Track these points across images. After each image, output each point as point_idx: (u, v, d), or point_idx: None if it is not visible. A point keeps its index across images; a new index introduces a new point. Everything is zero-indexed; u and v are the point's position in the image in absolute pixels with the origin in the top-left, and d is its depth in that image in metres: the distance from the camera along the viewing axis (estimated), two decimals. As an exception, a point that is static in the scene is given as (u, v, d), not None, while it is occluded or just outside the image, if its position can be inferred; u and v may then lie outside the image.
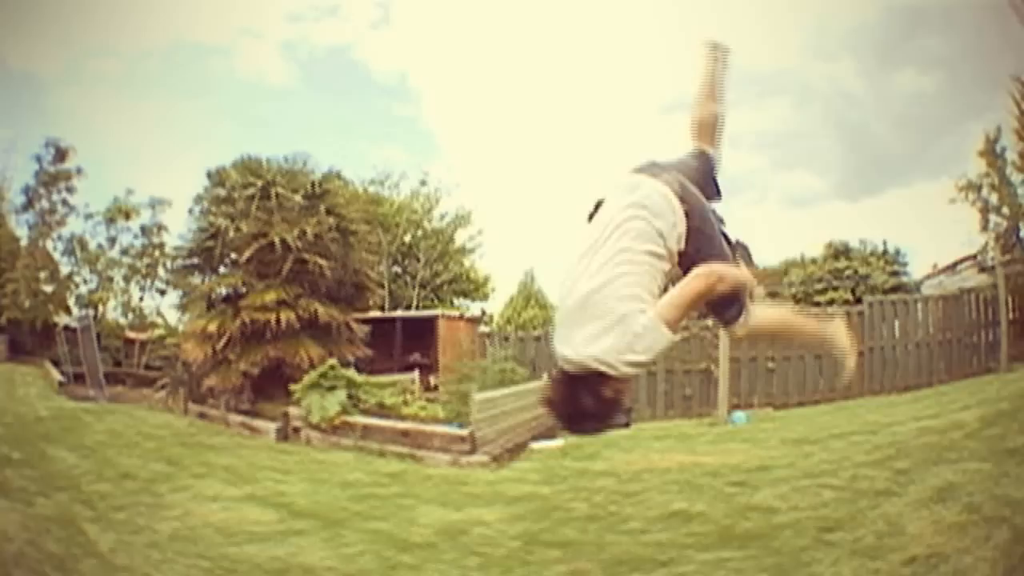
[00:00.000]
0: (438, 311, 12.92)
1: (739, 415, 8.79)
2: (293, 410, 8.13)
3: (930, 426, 5.56)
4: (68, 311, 14.98)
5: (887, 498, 3.74)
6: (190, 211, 10.85)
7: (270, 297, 9.08)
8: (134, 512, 4.55)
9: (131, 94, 25.40)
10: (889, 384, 9.76)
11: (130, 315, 14.91)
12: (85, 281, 15.25)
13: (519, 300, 16.09)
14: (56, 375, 12.09)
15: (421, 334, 11.22)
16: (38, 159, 15.66)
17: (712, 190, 2.41)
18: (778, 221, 29.08)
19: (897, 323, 10.33)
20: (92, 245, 15.34)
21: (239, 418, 8.86)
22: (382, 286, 13.47)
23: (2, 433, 7.22)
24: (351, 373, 8.24)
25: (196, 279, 10.58)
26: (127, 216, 15.13)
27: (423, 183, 17.18)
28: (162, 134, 24.16)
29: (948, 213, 13.77)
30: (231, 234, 9.58)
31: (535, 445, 6.93)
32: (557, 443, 6.97)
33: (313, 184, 10.11)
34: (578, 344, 1.86)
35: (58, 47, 24.88)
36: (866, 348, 9.53)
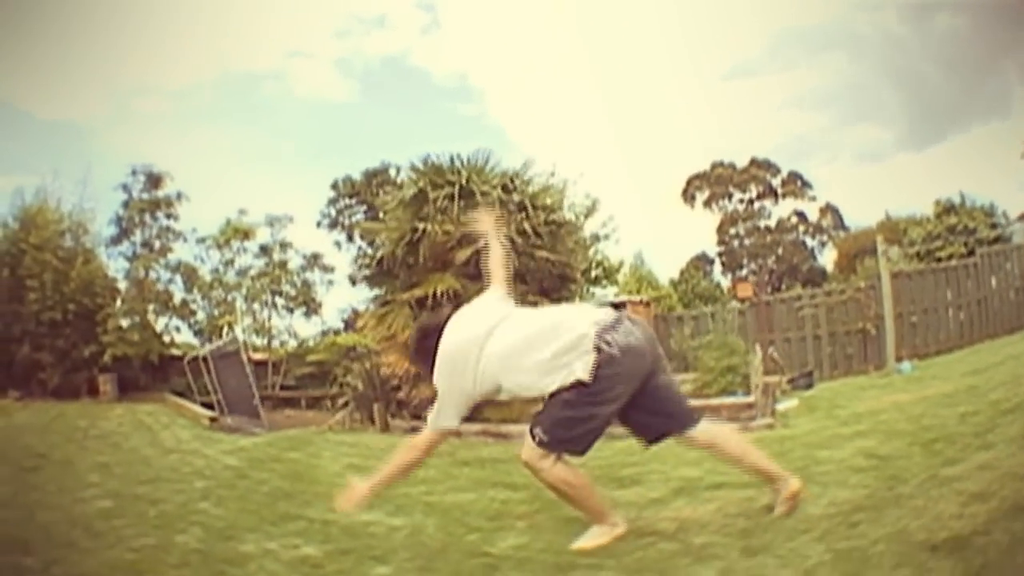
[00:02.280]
0: (624, 296, 12.25)
1: (905, 364, 9.03)
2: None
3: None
4: (164, 343, 13.44)
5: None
6: (319, 224, 9.62)
7: None
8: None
9: (183, 128, 24.26)
10: (1001, 328, 10.21)
11: (255, 336, 13.36)
12: (200, 308, 13.71)
13: (632, 282, 15.48)
14: (199, 409, 10.28)
15: None
16: (125, 188, 14.33)
17: None
18: (854, 178, 29.08)
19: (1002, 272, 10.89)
20: (204, 270, 13.91)
21: (476, 426, 7.61)
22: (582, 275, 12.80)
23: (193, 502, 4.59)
24: None
25: (380, 289, 9.33)
26: (246, 236, 13.81)
27: (552, 174, 16.18)
28: (220, 162, 22.95)
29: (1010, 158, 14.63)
30: (439, 237, 8.59)
31: (779, 407, 6.88)
32: (793, 403, 7.10)
33: (512, 179, 9.08)
34: None
35: (100, 93, 23.71)
36: (980, 297, 10.42)
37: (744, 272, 28.16)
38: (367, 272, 9.84)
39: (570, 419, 2.42)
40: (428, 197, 8.80)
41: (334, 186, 24.15)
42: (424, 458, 2.97)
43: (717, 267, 28.48)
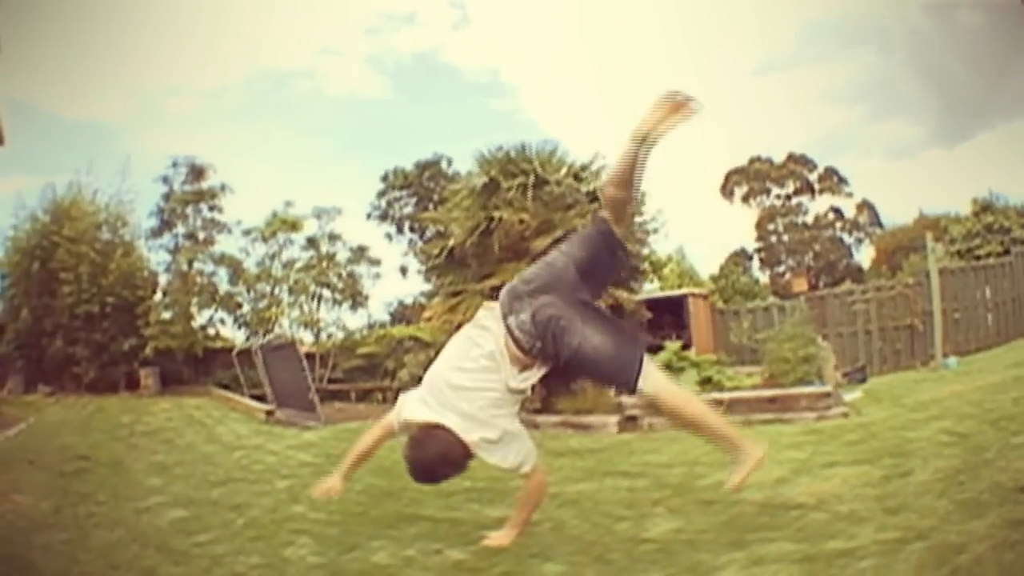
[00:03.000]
0: (685, 290, 11.89)
1: (951, 360, 9.12)
2: (628, 399, 6.93)
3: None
4: (209, 336, 12.61)
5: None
6: (369, 216, 8.84)
7: None
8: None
9: (216, 127, 23.71)
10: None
11: (302, 329, 12.47)
12: (246, 301, 12.83)
13: (673, 277, 14.91)
14: (252, 402, 9.36)
15: (672, 313, 10.63)
16: (165, 180, 13.53)
17: (616, 261, 2.68)
18: (887, 174, 28.16)
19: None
20: (249, 263, 13.04)
21: (555, 418, 6.97)
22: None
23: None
24: (691, 354, 7.86)
25: (448, 279, 8.95)
26: (294, 228, 12.95)
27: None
28: (253, 160, 22.45)
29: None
30: (515, 226, 8.28)
31: (847, 397, 6.89)
32: (858, 394, 7.16)
33: (583, 168, 8.82)
34: None
35: (130, 93, 23.33)
36: (1015, 295, 10.38)
37: (782, 268, 27.12)
38: (435, 262, 9.38)
39: None
40: (500, 186, 8.52)
41: (384, 178, 23.66)
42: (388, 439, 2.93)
43: (755, 263, 27.39)
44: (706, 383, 7.20)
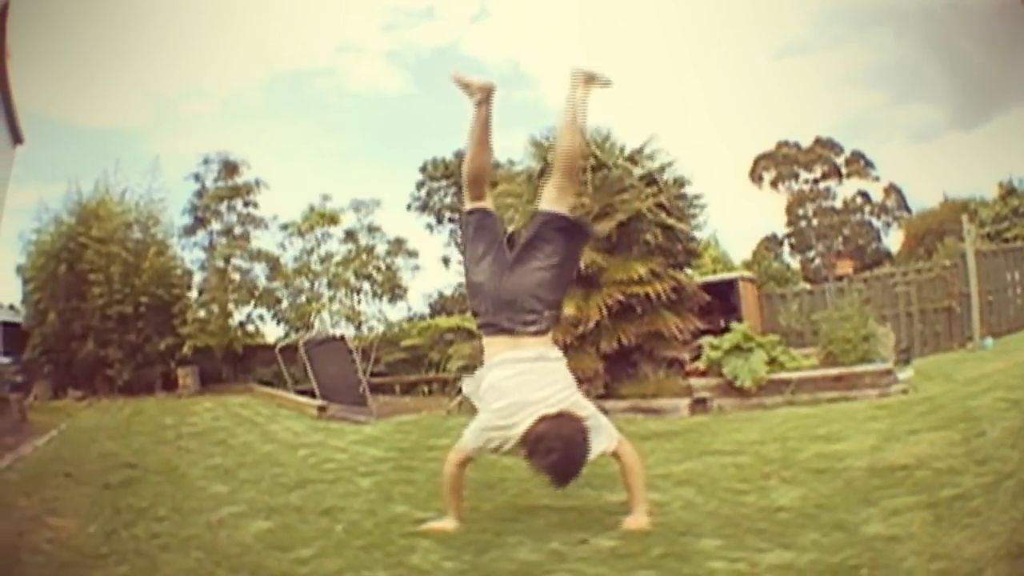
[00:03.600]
0: (736, 274, 11.24)
1: (988, 340, 9.17)
2: (697, 382, 7.23)
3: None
4: (248, 333, 12.04)
5: None
6: (409, 207, 8.31)
7: (642, 270, 7.71)
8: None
9: (236, 129, 23.22)
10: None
11: (344, 322, 11.82)
12: (284, 296, 12.21)
13: (709, 263, 13.99)
14: (300, 398, 8.72)
15: (719, 297, 10.06)
16: (196, 177, 12.92)
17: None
18: (910, 157, 27.47)
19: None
20: (286, 258, 12.43)
21: (624, 403, 6.96)
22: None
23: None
24: (757, 336, 7.53)
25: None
26: (333, 221, 12.34)
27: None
28: (276, 159, 21.94)
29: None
30: (577, 211, 7.72)
31: (900, 376, 6.85)
32: (910, 372, 7.21)
33: (638, 151, 8.65)
34: None
35: (146, 99, 22.90)
36: None
37: (812, 254, 26.32)
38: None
39: None
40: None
41: (423, 169, 23.09)
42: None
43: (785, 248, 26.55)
44: (771, 363, 7.15)
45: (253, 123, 24.13)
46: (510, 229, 8.52)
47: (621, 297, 7.56)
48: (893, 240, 27.23)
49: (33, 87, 14.26)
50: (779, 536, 2.51)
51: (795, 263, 24.96)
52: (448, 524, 2.86)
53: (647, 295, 7.52)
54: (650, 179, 8.80)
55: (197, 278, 12.56)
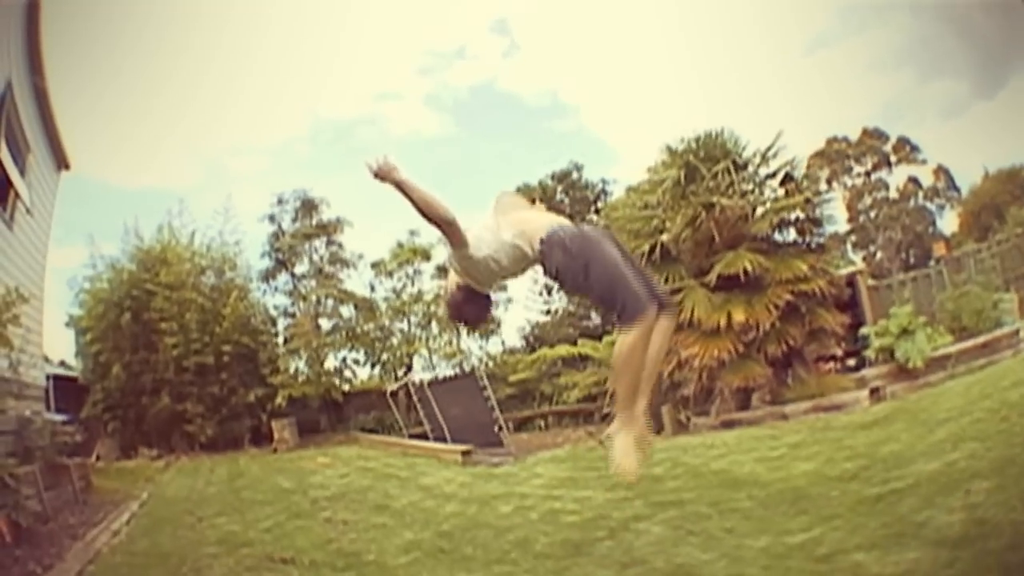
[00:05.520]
0: (854, 268, 11.18)
1: None
2: (869, 371, 7.35)
3: None
4: (345, 378, 11.06)
5: None
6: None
7: (804, 267, 7.58)
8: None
9: (281, 182, 22.95)
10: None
11: (444, 361, 10.88)
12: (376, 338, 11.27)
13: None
14: (431, 444, 7.62)
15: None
16: (271, 218, 12.10)
17: None
18: (945, 134, 26.74)
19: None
20: (378, 298, 11.53)
21: (804, 404, 6.83)
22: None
23: None
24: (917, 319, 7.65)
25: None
26: (426, 257, 11.48)
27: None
28: (329, 211, 21.52)
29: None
30: (732, 212, 8.04)
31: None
32: None
33: (768, 149, 8.49)
34: None
35: (190, 158, 23.04)
36: None
37: (874, 249, 25.25)
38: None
39: None
40: (700, 173, 8.15)
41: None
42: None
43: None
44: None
45: (301, 177, 24.04)
46: (664, 238, 8.22)
47: (789, 296, 7.46)
48: (947, 221, 26.33)
49: (82, 148, 13.83)
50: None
51: (858, 260, 23.90)
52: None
53: (811, 292, 7.46)
54: (786, 176, 8.70)
55: (280, 324, 11.68)
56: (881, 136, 26.49)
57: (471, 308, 2.42)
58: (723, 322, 7.36)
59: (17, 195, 6.74)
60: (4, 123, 6.30)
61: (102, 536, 4.59)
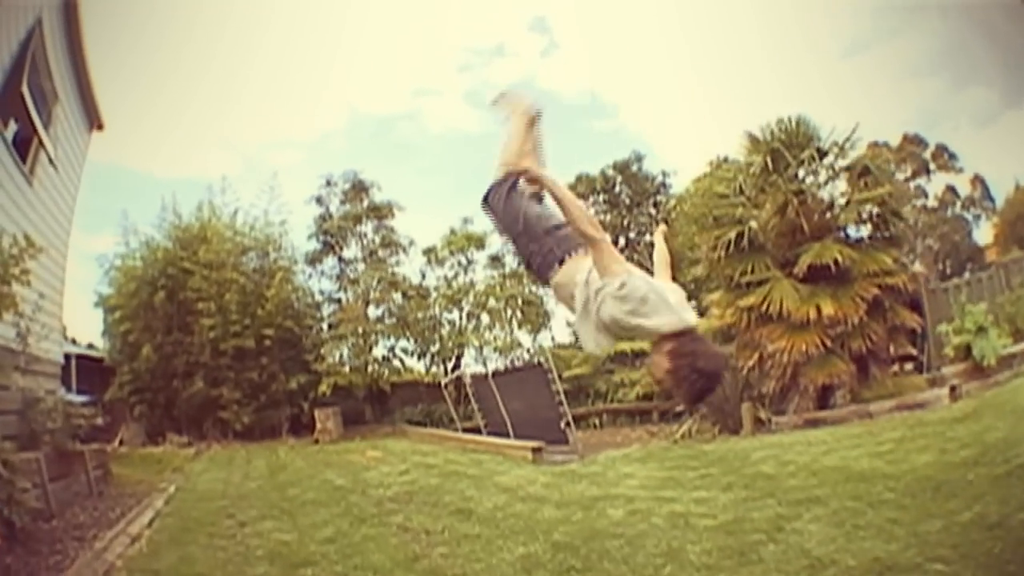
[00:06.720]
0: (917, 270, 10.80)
1: None
2: (947, 369, 7.22)
3: None
4: (395, 369, 10.61)
5: None
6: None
7: (889, 260, 7.47)
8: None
9: (320, 177, 23.04)
10: None
11: (496, 354, 10.37)
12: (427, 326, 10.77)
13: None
14: (498, 440, 7.07)
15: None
16: (319, 200, 11.60)
17: None
18: (979, 142, 26.25)
19: None
20: (429, 286, 11.04)
21: (888, 403, 6.64)
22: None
23: None
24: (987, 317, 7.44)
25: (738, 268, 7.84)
26: (480, 244, 11.00)
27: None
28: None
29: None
30: (807, 201, 7.88)
31: None
32: None
33: (847, 139, 8.13)
34: None
35: (230, 152, 23.12)
36: None
37: (913, 257, 24.67)
38: (720, 253, 7.83)
39: None
40: (785, 160, 7.87)
41: (571, 187, 21.37)
42: None
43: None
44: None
45: (339, 171, 23.95)
46: (749, 227, 7.89)
47: (876, 290, 7.28)
48: (983, 231, 25.70)
49: (119, 145, 13.54)
50: None
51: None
52: None
53: (895, 287, 7.32)
54: (863, 169, 8.35)
55: (326, 309, 11.14)
56: (921, 143, 25.88)
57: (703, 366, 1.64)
58: (812, 315, 7.10)
59: (41, 143, 5.97)
60: (29, 61, 5.49)
61: (117, 543, 3.65)
